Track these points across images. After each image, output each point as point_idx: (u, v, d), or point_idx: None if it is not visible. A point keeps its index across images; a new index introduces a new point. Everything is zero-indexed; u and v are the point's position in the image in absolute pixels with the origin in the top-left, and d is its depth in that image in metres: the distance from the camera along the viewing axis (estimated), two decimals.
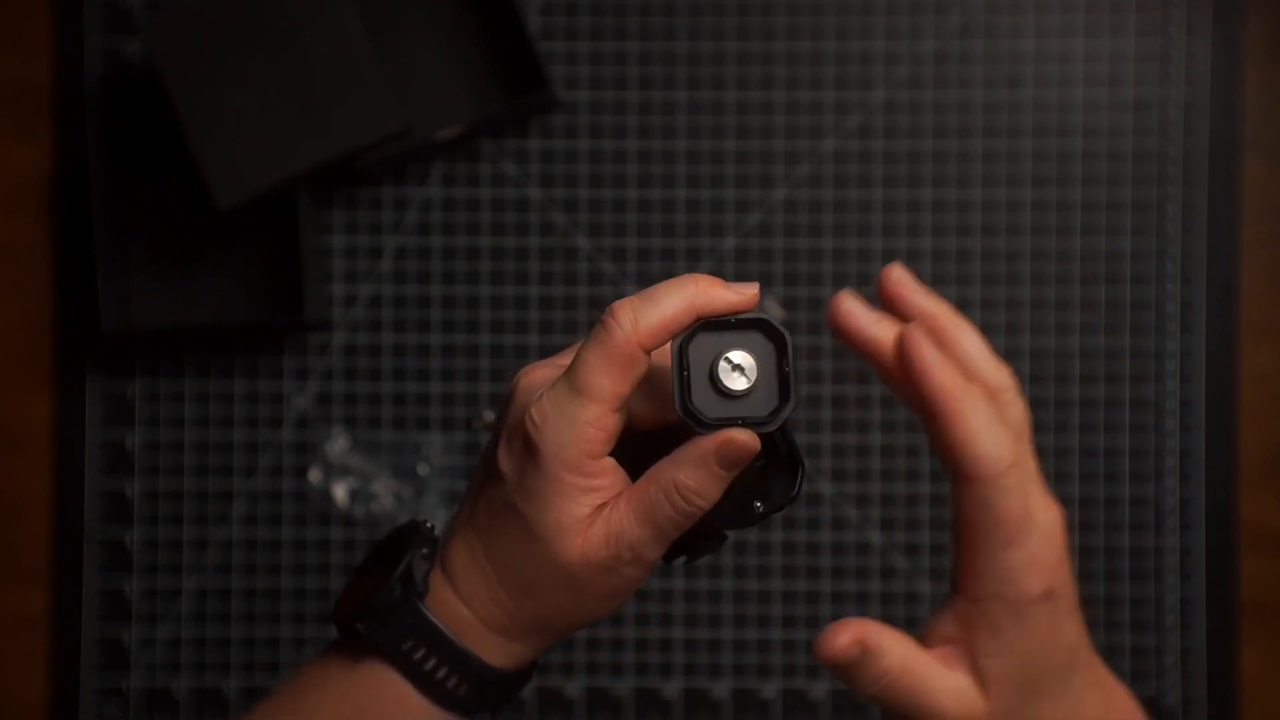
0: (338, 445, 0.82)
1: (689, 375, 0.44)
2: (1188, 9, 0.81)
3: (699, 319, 0.45)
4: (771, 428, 0.44)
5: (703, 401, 0.44)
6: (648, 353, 0.45)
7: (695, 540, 0.48)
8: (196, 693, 0.81)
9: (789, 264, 0.81)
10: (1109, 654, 0.81)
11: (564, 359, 0.49)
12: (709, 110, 0.82)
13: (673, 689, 0.81)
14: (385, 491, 0.82)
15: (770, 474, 0.47)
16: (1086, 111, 0.81)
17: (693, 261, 0.81)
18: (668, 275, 0.81)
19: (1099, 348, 0.81)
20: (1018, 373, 0.85)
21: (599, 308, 0.81)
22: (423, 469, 0.82)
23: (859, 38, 0.82)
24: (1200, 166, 0.81)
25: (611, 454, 0.46)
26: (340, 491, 0.82)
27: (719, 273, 0.81)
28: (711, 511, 0.46)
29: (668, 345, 0.45)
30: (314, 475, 0.82)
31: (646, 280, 0.81)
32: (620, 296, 0.85)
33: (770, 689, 0.81)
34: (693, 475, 0.45)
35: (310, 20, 0.75)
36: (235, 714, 0.80)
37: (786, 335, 0.44)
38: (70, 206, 0.82)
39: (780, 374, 0.44)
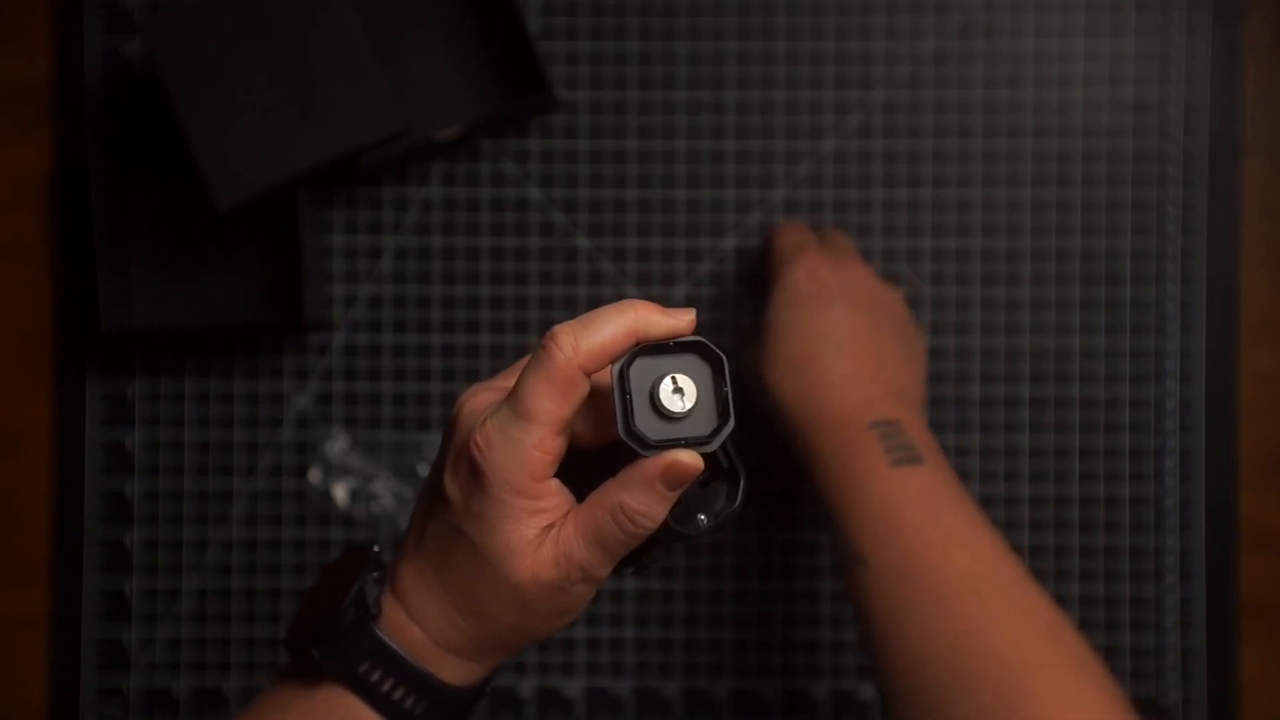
0: (338, 445, 0.82)
1: (631, 399, 0.45)
2: (1188, 9, 0.81)
3: (638, 343, 0.45)
4: (713, 447, 0.45)
5: (645, 424, 0.45)
6: (588, 375, 0.45)
7: (641, 552, 0.49)
8: (196, 693, 0.81)
9: None
10: (1109, 654, 0.81)
11: (505, 381, 0.50)
12: (709, 110, 0.82)
13: (673, 689, 0.81)
14: (385, 491, 0.82)
15: (713, 486, 0.48)
16: (1086, 111, 0.81)
17: (692, 262, 0.81)
18: (668, 275, 0.81)
19: (1099, 348, 0.81)
20: (1017, 372, 0.85)
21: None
22: (423, 469, 0.82)
23: (859, 38, 0.82)
24: (1200, 166, 0.81)
25: (556, 474, 0.47)
26: (340, 491, 0.82)
27: (720, 274, 0.81)
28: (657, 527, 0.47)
29: (608, 368, 0.46)
30: (314, 475, 0.82)
31: (646, 280, 0.81)
32: (620, 297, 0.85)
33: (770, 689, 0.81)
34: (639, 498, 0.46)
35: (310, 20, 0.75)
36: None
37: (723, 356, 0.45)
38: (70, 206, 0.82)
39: (718, 394, 0.45)
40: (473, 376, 0.81)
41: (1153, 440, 0.81)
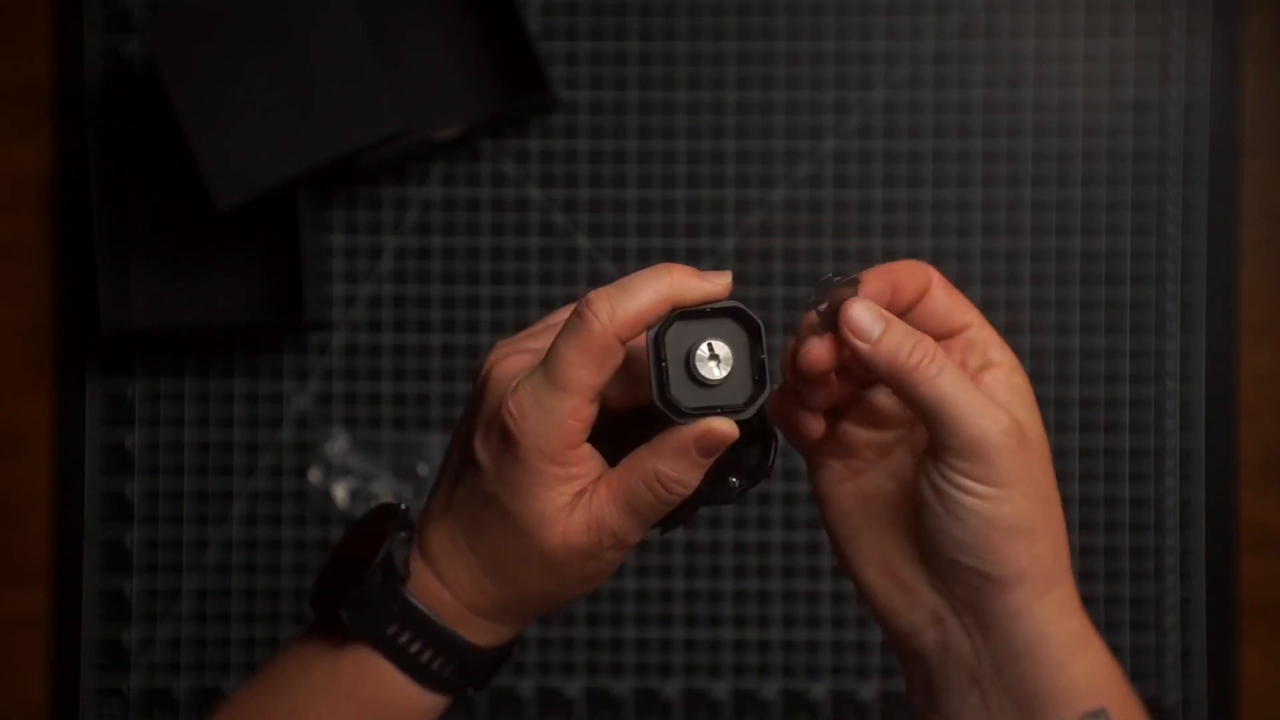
0: (338, 445, 0.82)
1: (666, 366, 0.44)
2: (1188, 9, 0.81)
3: (674, 309, 0.45)
4: (748, 414, 0.45)
5: (680, 391, 0.44)
6: (624, 343, 0.45)
7: (670, 514, 0.49)
8: (196, 693, 0.81)
9: (789, 264, 0.81)
10: None
11: (534, 341, 0.49)
12: (709, 110, 0.82)
13: (673, 689, 0.81)
14: (385, 491, 0.82)
15: (744, 450, 0.47)
16: (1086, 111, 0.81)
17: (692, 262, 0.81)
18: None
19: (1099, 348, 0.81)
20: None
21: None
22: (422, 469, 0.82)
23: (859, 38, 0.82)
24: (1200, 166, 0.81)
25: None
26: (340, 491, 0.82)
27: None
28: None
29: (642, 333, 0.45)
30: (314, 475, 0.82)
31: None
32: None
33: (770, 689, 0.81)
34: (673, 465, 0.45)
35: (310, 20, 0.75)
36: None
37: (760, 322, 0.45)
38: (70, 206, 0.82)
39: (754, 360, 0.45)
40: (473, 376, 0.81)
41: (1153, 440, 0.81)
